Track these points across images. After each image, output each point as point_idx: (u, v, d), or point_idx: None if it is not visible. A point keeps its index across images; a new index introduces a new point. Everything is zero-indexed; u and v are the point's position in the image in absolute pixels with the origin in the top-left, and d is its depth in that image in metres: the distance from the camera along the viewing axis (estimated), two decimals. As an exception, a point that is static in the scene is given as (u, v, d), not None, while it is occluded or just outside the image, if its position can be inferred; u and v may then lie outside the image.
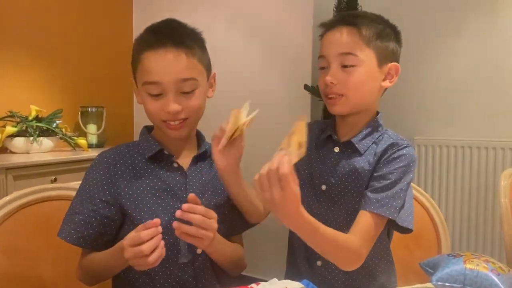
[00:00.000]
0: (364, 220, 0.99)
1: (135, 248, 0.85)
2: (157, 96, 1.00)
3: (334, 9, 2.51)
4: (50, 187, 1.22)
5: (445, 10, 2.58)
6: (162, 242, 0.87)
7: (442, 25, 2.59)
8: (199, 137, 1.14)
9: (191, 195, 0.92)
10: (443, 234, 1.43)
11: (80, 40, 2.76)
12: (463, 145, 2.49)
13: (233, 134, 0.96)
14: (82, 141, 2.40)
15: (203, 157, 1.11)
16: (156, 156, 1.06)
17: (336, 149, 1.11)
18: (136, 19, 3.14)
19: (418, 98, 2.65)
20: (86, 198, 1.01)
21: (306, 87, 2.53)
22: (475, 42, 2.51)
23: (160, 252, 0.87)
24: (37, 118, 2.28)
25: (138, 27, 3.05)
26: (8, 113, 2.23)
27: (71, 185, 1.23)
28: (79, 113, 2.69)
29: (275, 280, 0.91)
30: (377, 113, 1.14)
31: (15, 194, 1.15)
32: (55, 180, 2.03)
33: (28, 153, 2.20)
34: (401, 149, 1.05)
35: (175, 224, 0.90)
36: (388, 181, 1.02)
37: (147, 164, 1.05)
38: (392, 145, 1.06)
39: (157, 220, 0.86)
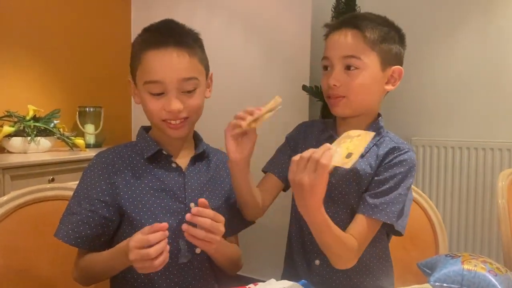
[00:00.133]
0: (362, 223, 1.01)
1: (142, 251, 0.84)
2: (158, 95, 1.00)
3: (333, 10, 2.51)
4: (47, 187, 1.22)
5: (443, 11, 2.58)
6: (168, 247, 0.87)
7: (440, 25, 2.59)
8: (196, 138, 1.14)
9: (201, 200, 0.92)
10: (440, 234, 1.43)
11: (78, 40, 2.76)
12: (461, 145, 2.49)
13: (256, 119, 0.95)
14: (80, 141, 2.39)
15: (201, 157, 1.11)
16: (155, 156, 1.06)
17: None
18: (135, 19, 3.13)
19: (416, 98, 2.65)
20: (84, 199, 1.01)
21: (304, 87, 2.53)
22: (473, 43, 2.51)
23: (166, 256, 0.87)
24: (35, 118, 2.27)
25: (137, 27, 3.04)
26: (6, 113, 2.22)
27: (69, 185, 1.23)
28: (77, 113, 2.69)
29: (272, 280, 0.91)
30: (379, 115, 1.14)
31: (13, 194, 1.15)
32: (52, 180, 2.03)
33: (25, 153, 2.19)
34: (403, 153, 1.06)
35: (184, 226, 0.91)
36: (387, 186, 1.02)
37: (145, 164, 1.05)
38: (393, 149, 1.07)
39: (164, 224, 0.86)
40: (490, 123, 2.47)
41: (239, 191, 1.07)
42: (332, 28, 1.09)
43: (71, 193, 1.06)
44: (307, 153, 0.86)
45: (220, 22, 2.87)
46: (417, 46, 2.60)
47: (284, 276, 1.07)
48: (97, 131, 2.71)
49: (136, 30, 2.73)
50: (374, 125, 1.11)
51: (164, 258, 0.86)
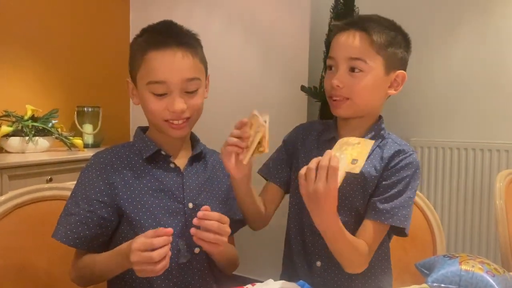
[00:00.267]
0: (373, 229, 1.03)
1: (144, 253, 0.84)
2: (161, 95, 1.00)
3: (331, 10, 2.51)
4: (45, 187, 1.22)
5: (441, 11, 2.59)
6: (170, 253, 0.87)
7: (439, 26, 2.60)
8: (193, 139, 1.14)
9: (205, 207, 0.93)
10: (438, 235, 1.43)
11: (77, 40, 2.76)
12: (459, 146, 2.50)
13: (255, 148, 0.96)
14: (78, 141, 2.39)
15: (198, 158, 1.12)
16: (153, 157, 1.06)
17: None
18: (133, 19, 3.13)
19: (415, 99, 2.65)
20: (82, 199, 1.00)
21: (303, 88, 2.53)
22: (472, 43, 2.51)
23: (167, 261, 0.87)
24: (33, 118, 2.27)
25: (135, 28, 3.04)
26: (4, 113, 2.22)
27: (67, 185, 1.22)
28: (75, 113, 2.68)
29: (270, 281, 0.91)
30: (380, 117, 1.14)
31: (10, 194, 1.14)
32: (50, 180, 2.03)
33: (23, 152, 2.19)
34: (408, 156, 1.07)
35: (192, 230, 0.92)
36: (396, 190, 1.04)
37: (143, 164, 1.05)
38: (398, 152, 1.08)
39: (169, 230, 0.86)
40: (489, 124, 2.48)
41: (242, 204, 1.09)
42: (340, 28, 1.09)
43: (69, 193, 1.06)
44: (313, 164, 0.89)
45: (218, 23, 2.87)
46: (415, 46, 2.58)
47: (283, 278, 1.07)
48: (95, 131, 2.70)
49: (134, 30, 2.73)
50: (376, 127, 1.11)
51: (166, 263, 0.86)
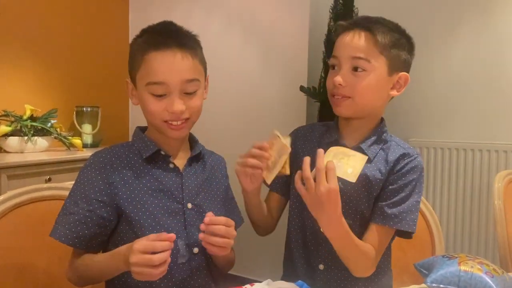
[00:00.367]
0: (381, 234, 1.05)
1: (145, 255, 0.84)
2: (160, 96, 1.00)
3: (331, 11, 2.51)
4: (44, 187, 1.22)
5: (441, 11, 2.59)
6: (169, 259, 0.87)
7: (437, 27, 2.60)
8: (192, 139, 1.14)
9: (209, 213, 0.95)
10: (437, 235, 1.43)
11: (76, 40, 2.75)
12: (458, 147, 2.50)
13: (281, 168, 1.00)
14: (77, 141, 2.39)
15: (197, 158, 1.12)
16: (152, 157, 1.05)
17: None
18: (132, 20, 3.13)
19: (414, 100, 2.65)
20: (81, 198, 1.00)
21: (302, 88, 2.53)
22: (472, 43, 2.51)
23: (166, 268, 0.87)
24: (32, 118, 2.27)
25: (134, 28, 3.04)
26: (3, 112, 2.21)
27: (65, 185, 1.22)
28: (74, 112, 2.68)
29: (269, 281, 0.91)
30: (382, 119, 1.14)
31: (9, 193, 1.14)
32: (49, 180, 2.02)
33: (22, 152, 2.19)
34: (413, 159, 1.08)
35: (201, 236, 0.94)
36: (403, 195, 1.05)
37: (143, 164, 1.05)
38: (403, 156, 1.09)
39: (172, 235, 0.87)
40: (488, 125, 2.48)
41: (251, 213, 1.14)
42: (345, 28, 1.09)
43: (68, 193, 1.06)
44: (307, 172, 0.91)
45: (218, 23, 2.87)
46: (415, 46, 2.60)
47: (284, 280, 1.07)
48: (95, 131, 2.70)
49: (134, 30, 2.73)
50: (379, 130, 1.12)
51: (164, 269, 0.86)
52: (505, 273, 0.92)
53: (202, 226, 0.93)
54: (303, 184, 0.93)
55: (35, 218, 1.16)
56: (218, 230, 0.93)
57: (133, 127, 1.19)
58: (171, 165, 1.06)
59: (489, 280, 0.87)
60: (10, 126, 2.17)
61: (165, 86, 0.99)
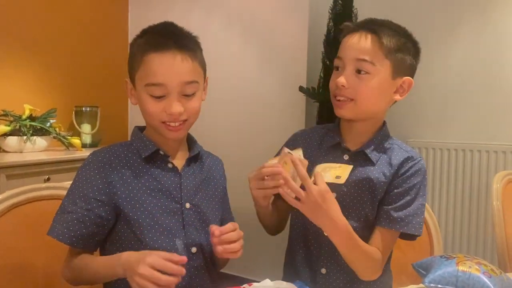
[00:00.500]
0: (386, 237, 1.05)
1: (154, 272, 0.84)
2: (159, 97, 1.00)
3: (330, 11, 2.51)
4: (42, 186, 1.22)
5: (439, 12, 2.59)
6: (175, 283, 0.86)
7: (438, 27, 2.60)
8: (190, 139, 1.14)
9: (213, 227, 0.97)
10: (435, 236, 1.44)
11: (75, 40, 2.76)
12: (456, 147, 2.50)
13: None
14: (76, 140, 2.39)
15: (195, 158, 1.12)
16: (151, 156, 1.05)
17: (346, 157, 1.11)
18: (132, 19, 3.13)
19: (412, 100, 2.65)
20: (80, 197, 1.00)
21: (301, 88, 2.53)
22: (471, 44, 2.51)
23: None
24: (31, 117, 2.27)
25: (134, 28, 3.05)
26: (2, 112, 2.21)
27: (65, 184, 1.22)
28: (73, 112, 2.68)
29: (267, 281, 0.91)
30: (384, 122, 1.14)
31: (7, 193, 1.14)
32: (48, 180, 2.02)
33: (21, 152, 2.19)
34: (417, 163, 1.09)
35: (219, 250, 0.96)
36: (409, 198, 1.05)
37: (142, 164, 1.05)
38: (407, 159, 1.09)
39: (184, 258, 0.88)
40: (486, 126, 2.48)
41: (262, 219, 1.15)
42: (350, 29, 1.09)
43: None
44: (291, 182, 0.92)
45: (217, 23, 2.87)
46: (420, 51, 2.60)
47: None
48: (94, 131, 2.70)
49: (133, 30, 2.72)
50: (381, 133, 1.12)
51: None
52: (503, 273, 0.93)
53: (216, 241, 0.96)
54: (296, 198, 0.93)
55: (34, 217, 1.16)
56: (231, 237, 0.96)
57: (132, 127, 1.19)
58: (170, 165, 1.06)
59: (486, 280, 0.87)
60: (9, 125, 2.18)
61: (163, 87, 0.99)
